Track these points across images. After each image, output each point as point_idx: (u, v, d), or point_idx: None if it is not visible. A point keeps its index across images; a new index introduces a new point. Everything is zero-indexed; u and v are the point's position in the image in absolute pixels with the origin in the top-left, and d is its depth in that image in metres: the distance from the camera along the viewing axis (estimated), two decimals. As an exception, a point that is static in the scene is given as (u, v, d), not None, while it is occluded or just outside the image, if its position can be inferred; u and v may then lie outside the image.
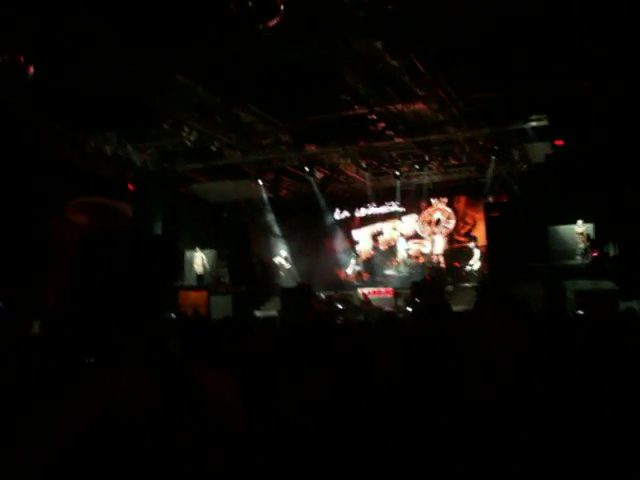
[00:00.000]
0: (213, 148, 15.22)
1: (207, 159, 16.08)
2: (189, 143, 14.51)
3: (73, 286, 1.63)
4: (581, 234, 14.99)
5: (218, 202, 19.25)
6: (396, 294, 16.94)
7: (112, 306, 1.58)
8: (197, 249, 19.21)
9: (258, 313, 17.32)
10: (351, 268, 20.16)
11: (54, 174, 13.87)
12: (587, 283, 13.00)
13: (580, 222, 14.95)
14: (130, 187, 16.46)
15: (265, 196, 19.20)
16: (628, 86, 10.86)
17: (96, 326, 1.57)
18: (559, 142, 13.64)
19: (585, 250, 14.81)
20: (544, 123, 13.16)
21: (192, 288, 18.59)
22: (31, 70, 9.54)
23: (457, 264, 18.47)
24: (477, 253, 18.09)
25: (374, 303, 16.14)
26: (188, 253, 19.40)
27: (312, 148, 15.93)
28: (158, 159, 15.82)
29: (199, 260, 19.23)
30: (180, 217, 17.87)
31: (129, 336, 1.57)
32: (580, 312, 10.84)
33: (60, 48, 9.65)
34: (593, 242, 14.68)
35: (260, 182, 18.36)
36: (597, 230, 14.75)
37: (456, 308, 10.53)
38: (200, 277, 19.20)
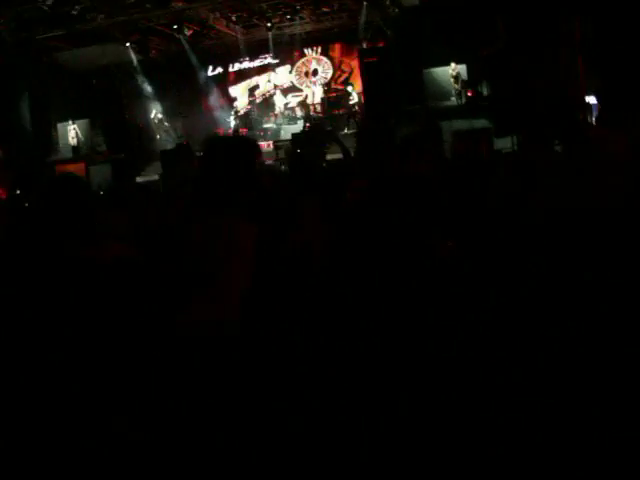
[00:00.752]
0: (73, 12, 14.21)
1: (68, 24, 14.98)
2: (46, 8, 13.50)
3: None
4: (455, 76, 15.46)
5: (86, 69, 18.20)
6: (276, 147, 16.94)
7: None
8: (69, 120, 18.36)
9: (139, 179, 17.07)
10: (230, 124, 19.99)
11: None
12: (463, 123, 13.53)
13: (453, 64, 15.37)
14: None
15: (134, 58, 18.33)
16: None
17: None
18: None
19: (459, 91, 15.35)
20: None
21: (68, 161, 17.96)
22: None
23: (336, 112, 18.67)
24: (355, 99, 18.31)
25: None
26: (60, 125, 18.58)
27: (179, 4, 15.18)
28: (14, 29, 14.61)
29: (72, 132, 18.47)
30: (48, 89, 16.87)
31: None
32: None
33: None
34: (466, 82, 15.20)
35: (127, 44, 17.52)
36: (470, 70, 15.23)
37: (337, 156, 10.83)
38: (75, 148, 18.52)
